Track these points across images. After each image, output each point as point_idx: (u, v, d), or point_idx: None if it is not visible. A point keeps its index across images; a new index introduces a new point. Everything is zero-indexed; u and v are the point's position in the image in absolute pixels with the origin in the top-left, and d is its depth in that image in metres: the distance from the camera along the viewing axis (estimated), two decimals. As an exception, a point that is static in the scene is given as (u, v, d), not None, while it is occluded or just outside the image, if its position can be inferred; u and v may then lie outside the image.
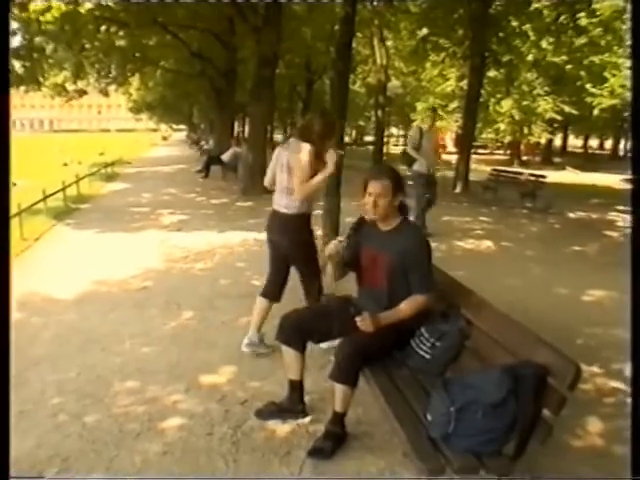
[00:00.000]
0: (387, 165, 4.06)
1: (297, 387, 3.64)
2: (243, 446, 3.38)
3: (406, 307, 3.40)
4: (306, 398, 3.71)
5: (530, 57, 24.23)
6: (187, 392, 4.04)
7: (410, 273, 3.40)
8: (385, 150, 29.08)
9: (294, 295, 5.02)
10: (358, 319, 3.26)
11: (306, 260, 4.70)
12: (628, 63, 28.30)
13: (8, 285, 2.26)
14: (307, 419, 3.63)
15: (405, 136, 70.92)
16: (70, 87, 26.05)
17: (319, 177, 4.37)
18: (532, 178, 15.85)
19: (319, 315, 3.62)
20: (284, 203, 4.53)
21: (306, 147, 4.39)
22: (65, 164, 25.51)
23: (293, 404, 3.64)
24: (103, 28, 18.11)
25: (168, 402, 3.88)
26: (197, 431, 3.53)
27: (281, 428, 3.55)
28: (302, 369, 3.61)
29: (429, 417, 2.69)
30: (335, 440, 3.28)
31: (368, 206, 3.43)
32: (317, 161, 4.43)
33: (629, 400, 4.03)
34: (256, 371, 4.36)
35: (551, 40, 22.64)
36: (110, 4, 15.48)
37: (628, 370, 4.57)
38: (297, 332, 3.50)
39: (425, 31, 21.38)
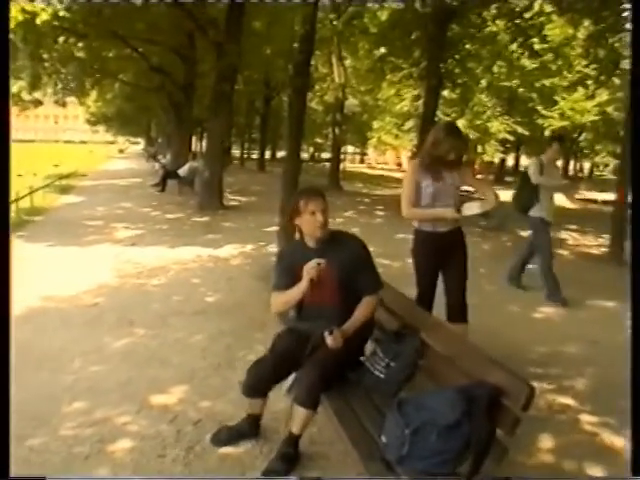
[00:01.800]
0: (312, 185, 4.09)
1: (256, 418, 3.62)
2: (196, 468, 3.33)
3: (363, 311, 3.46)
4: (259, 419, 3.70)
5: (484, 80, 24.72)
6: (138, 412, 3.95)
7: (359, 276, 3.45)
8: (342, 167, 29.26)
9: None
10: (328, 338, 3.26)
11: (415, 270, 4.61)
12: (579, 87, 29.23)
13: (8, 288, 2.23)
14: (261, 440, 3.58)
15: (363, 154, 71.69)
16: (26, 97, 25.65)
17: (428, 213, 4.41)
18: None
19: (280, 359, 3.46)
20: None
21: (408, 162, 4.31)
22: (19, 175, 25.02)
23: (248, 429, 3.61)
24: (61, 39, 17.88)
25: (119, 423, 3.80)
26: (148, 453, 3.46)
27: (234, 449, 3.50)
28: (264, 406, 3.60)
29: (384, 439, 2.69)
30: (288, 461, 3.25)
31: (319, 224, 3.37)
32: (430, 175, 4.31)
33: (580, 416, 4.14)
34: (208, 390, 4.31)
35: (504, 63, 23.16)
36: (67, 15, 15.24)
37: (578, 385, 4.70)
38: (264, 385, 3.44)
39: (383, 51, 21.67)
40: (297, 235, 3.62)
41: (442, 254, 4.51)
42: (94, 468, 3.31)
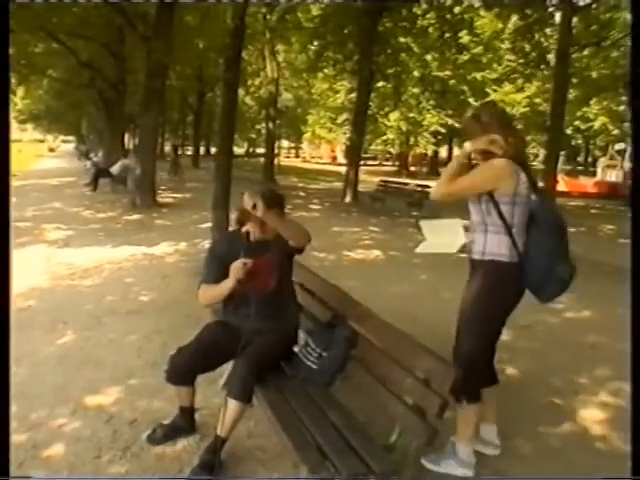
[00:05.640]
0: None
1: (188, 411, 3.61)
2: (133, 467, 3.30)
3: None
4: (196, 414, 3.68)
5: (416, 72, 25.13)
6: (73, 414, 3.88)
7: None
8: (276, 162, 29.27)
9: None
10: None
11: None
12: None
13: (8, 287, 2.18)
14: (198, 436, 3.58)
15: (298, 148, 71.79)
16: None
17: None
18: (419, 188, 16.45)
19: (205, 348, 3.47)
20: None
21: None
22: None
23: (183, 423, 3.60)
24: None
25: (53, 426, 3.73)
26: (84, 455, 3.40)
27: (171, 447, 3.49)
28: (193, 396, 3.58)
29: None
30: (210, 469, 3.14)
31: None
32: None
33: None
34: (144, 389, 4.27)
35: (436, 56, 23.58)
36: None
37: (509, 370, 4.85)
38: (187, 372, 3.41)
39: (317, 45, 21.78)
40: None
41: None
42: (29, 473, 3.24)
